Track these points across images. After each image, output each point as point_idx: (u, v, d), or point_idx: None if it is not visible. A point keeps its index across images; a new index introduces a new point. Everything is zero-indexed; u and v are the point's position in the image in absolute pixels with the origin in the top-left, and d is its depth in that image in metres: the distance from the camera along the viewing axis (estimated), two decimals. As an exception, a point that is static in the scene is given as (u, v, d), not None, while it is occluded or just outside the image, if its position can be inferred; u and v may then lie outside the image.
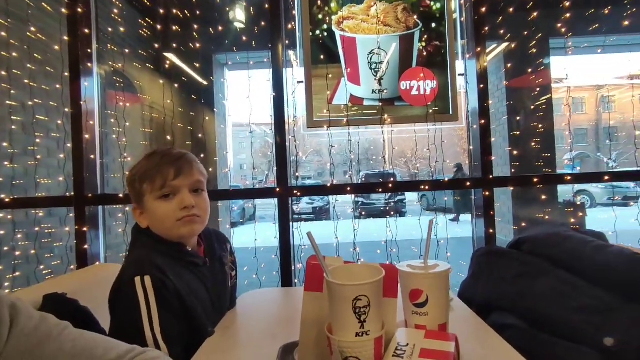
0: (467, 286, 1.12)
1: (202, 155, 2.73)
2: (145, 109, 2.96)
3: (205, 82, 3.38)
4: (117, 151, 2.14)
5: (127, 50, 2.10)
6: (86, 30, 1.87)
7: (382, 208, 8.87)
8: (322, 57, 1.96)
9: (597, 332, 0.79)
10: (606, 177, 1.80)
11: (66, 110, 1.82)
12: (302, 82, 1.95)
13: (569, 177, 1.80)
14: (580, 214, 4.93)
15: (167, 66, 2.33)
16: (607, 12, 2.34)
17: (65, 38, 1.83)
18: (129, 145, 2.07)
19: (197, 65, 2.28)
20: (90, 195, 1.86)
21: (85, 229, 1.83)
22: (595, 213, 8.31)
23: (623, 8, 2.41)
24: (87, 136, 1.81)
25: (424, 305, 0.67)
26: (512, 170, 4.19)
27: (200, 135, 2.36)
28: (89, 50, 1.85)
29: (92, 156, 1.86)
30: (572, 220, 3.82)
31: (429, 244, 0.72)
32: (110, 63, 2.10)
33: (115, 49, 2.08)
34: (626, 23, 1.92)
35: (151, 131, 2.89)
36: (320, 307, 0.65)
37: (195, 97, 2.79)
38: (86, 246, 1.82)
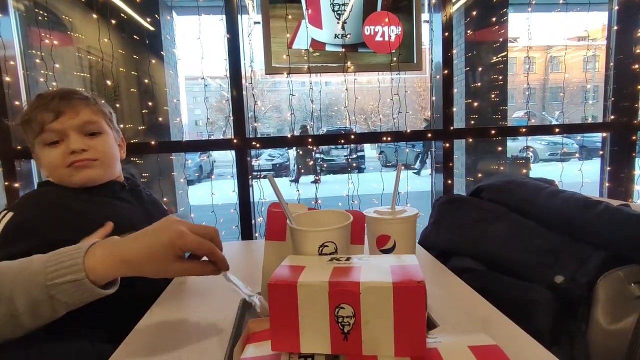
0: (428, 233, 1.14)
1: (149, 104, 2.52)
2: (81, 51, 2.61)
3: (149, 26, 3.02)
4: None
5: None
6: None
7: (341, 164, 8.96)
8: (280, -5, 1.78)
9: (549, 270, 0.83)
10: (557, 130, 1.87)
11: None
12: (258, 22, 1.78)
13: (524, 129, 1.86)
14: (525, 170, 5.27)
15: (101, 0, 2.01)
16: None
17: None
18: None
19: (138, 0, 1.99)
20: (19, 147, 1.65)
21: (17, 184, 1.63)
22: (538, 167, 8.99)
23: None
24: (7, 78, 1.56)
25: (390, 251, 0.65)
26: (472, 122, 4.29)
27: (146, 81, 2.12)
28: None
29: (17, 102, 1.62)
30: (524, 171, 4.06)
31: (396, 188, 0.69)
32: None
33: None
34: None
35: (89, 76, 2.57)
36: (282, 257, 0.60)
37: (138, 38, 2.49)
38: (20, 204, 1.64)
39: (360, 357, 0.40)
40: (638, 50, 1.87)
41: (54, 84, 1.69)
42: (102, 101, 0.91)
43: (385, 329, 0.39)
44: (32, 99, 0.84)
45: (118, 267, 0.54)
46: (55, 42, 1.76)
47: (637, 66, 1.88)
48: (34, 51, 1.75)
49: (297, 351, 0.41)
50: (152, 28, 3.18)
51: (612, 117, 1.93)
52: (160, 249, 0.53)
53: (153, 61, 2.68)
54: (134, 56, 2.55)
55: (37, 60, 1.67)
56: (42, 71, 1.72)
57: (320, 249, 0.51)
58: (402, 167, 0.74)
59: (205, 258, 0.58)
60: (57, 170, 0.82)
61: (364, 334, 0.39)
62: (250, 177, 1.79)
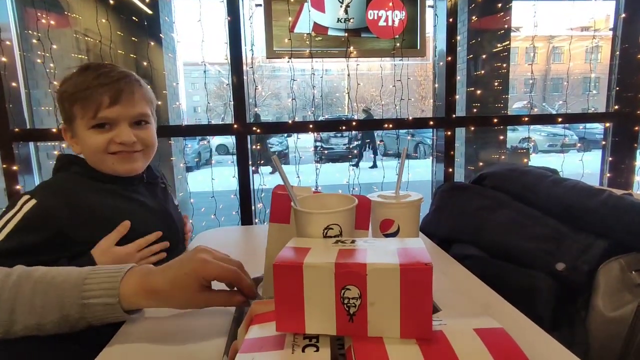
0: (429, 221, 1.14)
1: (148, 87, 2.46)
2: (78, 33, 2.56)
3: (147, 8, 2.96)
4: (46, 81, 1.86)
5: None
6: None
7: (340, 152, 8.93)
8: (282, -23, 1.75)
9: (550, 258, 0.83)
10: (559, 119, 1.86)
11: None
12: (260, 5, 1.74)
13: (526, 118, 1.84)
14: (525, 160, 5.25)
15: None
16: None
17: None
18: (62, 75, 1.79)
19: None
20: (17, 130, 1.63)
21: (15, 167, 1.62)
22: (538, 158, 8.99)
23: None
24: (4, 59, 1.53)
25: (394, 235, 0.65)
26: (474, 111, 4.26)
27: (145, 64, 2.07)
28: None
29: (14, 84, 1.59)
30: (525, 160, 4.04)
31: (401, 173, 0.69)
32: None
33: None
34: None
35: (86, 58, 2.52)
36: (286, 240, 0.60)
37: (137, 20, 2.43)
38: (18, 187, 1.63)
39: (366, 339, 0.39)
40: (644, 40, 1.85)
41: (52, 65, 1.66)
42: (149, 87, 0.87)
43: (391, 311, 0.39)
44: (83, 70, 0.79)
45: (147, 299, 0.54)
46: (52, 23, 1.73)
47: (642, 56, 1.86)
48: (30, 32, 1.71)
49: (302, 332, 0.41)
50: (150, 11, 3.12)
51: (616, 107, 1.92)
52: (184, 279, 0.53)
53: (152, 44, 2.64)
54: (132, 38, 2.50)
55: (34, 41, 1.64)
56: (38, 52, 1.69)
57: (325, 231, 0.50)
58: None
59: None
60: (99, 155, 0.80)
61: (369, 315, 0.39)
62: (250, 163, 1.78)
